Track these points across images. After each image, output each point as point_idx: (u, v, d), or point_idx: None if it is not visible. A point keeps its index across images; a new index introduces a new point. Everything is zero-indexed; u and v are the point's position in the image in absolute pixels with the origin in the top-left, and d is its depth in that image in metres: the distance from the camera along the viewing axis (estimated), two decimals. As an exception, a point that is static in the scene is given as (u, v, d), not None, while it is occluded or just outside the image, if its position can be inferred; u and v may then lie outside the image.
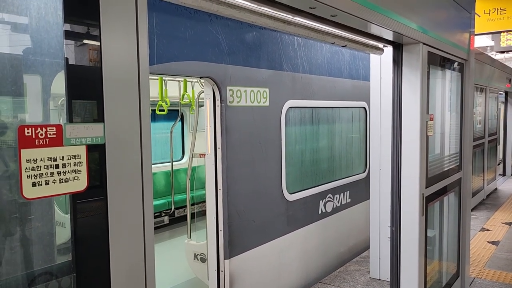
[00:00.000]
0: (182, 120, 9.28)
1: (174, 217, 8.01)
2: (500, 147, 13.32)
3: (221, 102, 4.03)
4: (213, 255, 4.22)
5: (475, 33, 5.02)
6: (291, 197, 4.97)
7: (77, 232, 1.21)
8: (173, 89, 6.64)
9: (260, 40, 4.45)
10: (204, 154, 4.62)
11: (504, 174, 13.51)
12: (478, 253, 6.29)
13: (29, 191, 1.08)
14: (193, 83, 6.59)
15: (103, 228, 1.24)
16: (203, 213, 5.52)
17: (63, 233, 1.50)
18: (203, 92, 4.38)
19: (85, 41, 1.23)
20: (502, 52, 12.70)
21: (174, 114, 8.24)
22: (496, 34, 10.81)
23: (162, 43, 3.48)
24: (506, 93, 13.33)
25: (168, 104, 6.24)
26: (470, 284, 5.18)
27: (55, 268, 1.23)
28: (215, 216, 4.15)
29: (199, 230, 5.36)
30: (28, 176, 1.08)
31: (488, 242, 6.84)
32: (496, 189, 11.31)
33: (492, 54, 15.86)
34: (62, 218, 1.72)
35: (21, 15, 1.23)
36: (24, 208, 1.23)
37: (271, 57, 4.58)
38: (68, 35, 1.20)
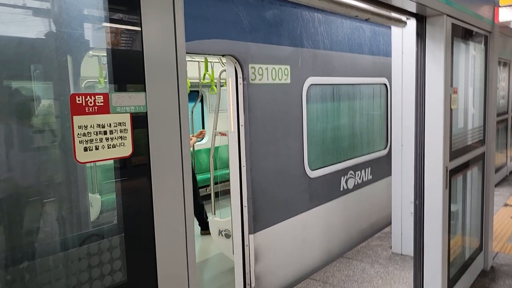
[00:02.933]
0: (202, 101, 9.36)
1: (197, 197, 8.15)
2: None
3: (243, 80, 4.07)
4: (238, 230, 4.32)
5: (500, 4, 4.91)
6: (313, 174, 5.03)
7: (124, 196, 1.29)
8: (192, 70, 6.70)
9: (280, 17, 4.45)
10: (225, 133, 4.70)
11: (528, 151, 13.26)
12: (501, 229, 6.27)
13: (81, 156, 1.16)
14: (212, 63, 6.63)
15: (146, 192, 1.32)
16: (225, 192, 5.63)
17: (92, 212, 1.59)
18: (224, 71, 4.42)
19: (126, 25, 1.32)
20: (527, 25, 12.31)
21: (193, 95, 8.32)
22: (520, 6, 10.48)
23: (186, 22, 3.52)
24: (531, 67, 12.98)
25: (189, 84, 6.31)
26: (493, 258, 5.19)
27: (105, 229, 1.31)
28: (239, 192, 4.24)
29: (222, 208, 5.47)
30: (80, 142, 1.16)
31: (511, 217, 6.81)
32: (519, 165, 11.14)
33: (516, 28, 15.39)
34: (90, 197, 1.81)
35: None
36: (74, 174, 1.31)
37: (292, 34, 4.59)
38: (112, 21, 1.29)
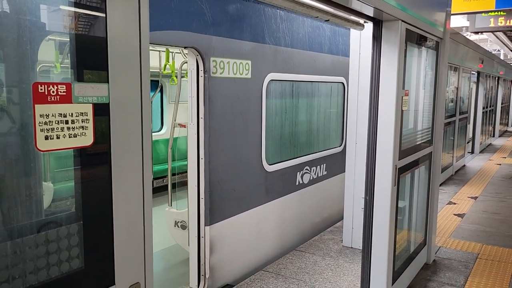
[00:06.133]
0: (161, 91, 9.25)
1: (153, 187, 8.09)
2: (470, 126, 13.80)
3: (204, 73, 4.09)
4: (194, 221, 4.36)
5: (452, 12, 5.18)
6: (270, 168, 5.13)
7: (83, 184, 1.31)
8: (153, 59, 6.62)
9: (243, 12, 4.49)
10: (185, 125, 4.70)
11: (472, 152, 14.04)
12: (445, 225, 6.65)
13: (42, 144, 1.17)
14: (173, 54, 6.58)
15: (106, 181, 1.34)
16: (182, 184, 5.63)
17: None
18: (186, 62, 4.42)
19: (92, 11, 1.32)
20: (477, 33, 13.00)
21: (153, 85, 8.21)
22: (471, 14, 11.05)
23: (149, 12, 3.50)
24: (478, 73, 13.72)
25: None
26: (436, 252, 5.50)
27: (64, 217, 1.33)
28: (196, 184, 4.27)
29: (179, 199, 5.47)
30: (41, 130, 1.16)
31: (455, 214, 7.22)
32: (464, 165, 11.79)
33: (467, 35, 16.20)
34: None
35: None
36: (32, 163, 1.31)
37: (254, 30, 4.65)
38: (75, 5, 1.29)
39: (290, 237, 5.72)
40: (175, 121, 5.09)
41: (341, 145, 6.81)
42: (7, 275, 1.16)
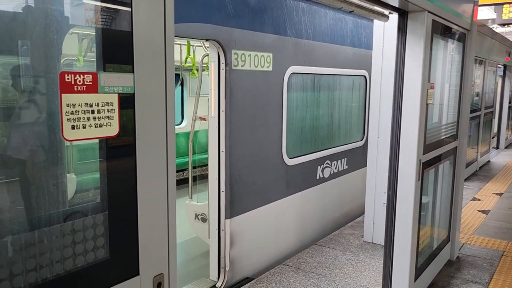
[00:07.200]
0: (182, 84, 9.29)
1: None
2: (495, 121, 13.47)
3: (225, 66, 4.07)
4: (214, 214, 4.37)
5: (479, 3, 5.03)
6: (290, 162, 5.10)
7: (109, 175, 1.31)
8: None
9: (265, 5, 4.45)
10: (205, 118, 4.70)
11: (497, 147, 13.71)
12: (469, 221, 6.51)
13: (69, 133, 1.18)
14: (194, 47, 6.59)
15: (131, 172, 1.34)
16: (202, 177, 5.65)
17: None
18: (207, 55, 4.42)
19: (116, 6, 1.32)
20: (503, 25, 12.64)
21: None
22: (498, 6, 10.75)
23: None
24: (505, 66, 13.36)
25: (170, 67, 6.25)
26: (460, 249, 5.40)
27: (90, 207, 1.33)
28: (217, 177, 4.27)
29: (199, 192, 5.50)
30: (68, 120, 1.17)
31: (479, 211, 7.06)
32: (489, 161, 11.52)
33: (493, 27, 15.77)
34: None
35: None
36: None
37: (275, 22, 4.60)
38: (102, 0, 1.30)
39: (310, 232, 5.69)
40: (196, 114, 5.10)
41: (362, 139, 6.73)
42: (35, 264, 1.17)
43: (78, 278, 1.27)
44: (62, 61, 1.36)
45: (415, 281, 3.95)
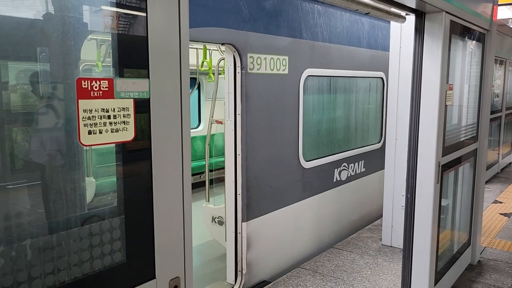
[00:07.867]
0: (198, 88, 9.35)
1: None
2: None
3: (241, 69, 4.09)
4: (231, 217, 4.37)
5: (499, 3, 4.94)
6: (307, 165, 5.08)
7: (126, 179, 1.33)
8: (190, 57, 6.68)
9: (280, 8, 4.46)
10: (221, 122, 4.71)
11: (519, 149, 13.40)
12: (490, 224, 6.38)
13: (85, 139, 1.20)
14: (210, 51, 6.62)
15: (147, 176, 1.36)
16: (219, 180, 5.67)
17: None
18: (223, 59, 4.44)
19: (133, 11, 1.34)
20: (525, 24, 12.35)
21: (190, 82, 8.29)
22: (519, 5, 10.52)
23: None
24: (527, 66, 13.06)
25: (187, 71, 6.30)
26: (481, 253, 5.29)
27: (107, 211, 1.35)
28: (233, 180, 4.28)
29: (216, 195, 5.51)
30: (84, 125, 1.19)
31: (501, 213, 6.91)
32: (511, 163, 11.28)
33: (514, 26, 15.42)
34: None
35: None
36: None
37: (291, 25, 4.60)
38: (117, 6, 1.32)
39: (327, 235, 5.65)
40: (212, 117, 5.13)
41: (380, 142, 6.66)
42: (53, 267, 1.19)
43: (95, 281, 1.28)
44: (81, 67, 1.39)
45: (435, 285, 3.89)
